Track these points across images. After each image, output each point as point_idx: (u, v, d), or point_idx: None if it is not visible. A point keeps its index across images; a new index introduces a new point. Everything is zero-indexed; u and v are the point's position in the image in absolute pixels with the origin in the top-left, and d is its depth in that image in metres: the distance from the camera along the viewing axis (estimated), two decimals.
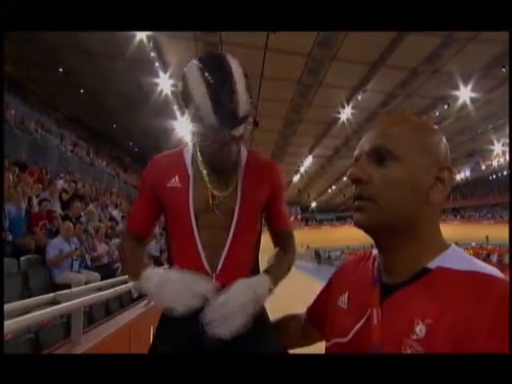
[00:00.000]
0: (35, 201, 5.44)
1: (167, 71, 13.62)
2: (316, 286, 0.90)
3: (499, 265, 13.37)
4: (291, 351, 0.89)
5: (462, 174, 29.87)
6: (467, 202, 39.55)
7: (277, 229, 1.05)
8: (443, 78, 13.84)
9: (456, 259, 0.57)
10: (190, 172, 0.95)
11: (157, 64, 13.08)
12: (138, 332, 3.08)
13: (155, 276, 0.85)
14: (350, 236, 29.63)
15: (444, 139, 0.61)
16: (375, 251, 0.67)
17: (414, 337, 0.52)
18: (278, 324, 0.92)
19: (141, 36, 11.40)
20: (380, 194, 0.57)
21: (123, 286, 3.55)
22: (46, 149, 10.43)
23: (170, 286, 0.81)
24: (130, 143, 25.01)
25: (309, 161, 25.44)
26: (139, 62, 12.87)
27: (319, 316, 0.77)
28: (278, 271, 0.96)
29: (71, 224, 4.70)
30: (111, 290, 3.10)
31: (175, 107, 16.49)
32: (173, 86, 13.95)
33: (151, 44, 11.95)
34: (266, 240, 1.06)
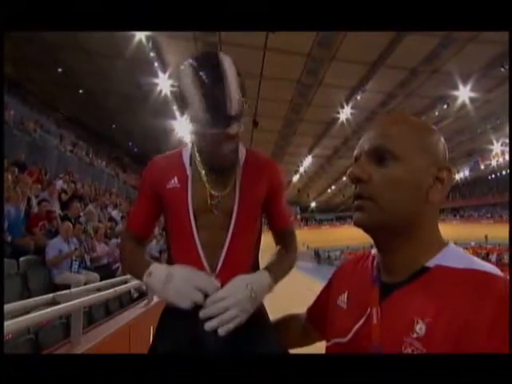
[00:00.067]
0: (34, 201, 5.43)
1: (166, 71, 13.62)
2: (316, 286, 0.90)
3: (498, 264, 13.38)
4: (291, 351, 0.89)
5: (462, 174, 29.90)
6: (466, 202, 39.60)
7: (278, 227, 1.05)
8: (442, 77, 13.85)
9: (455, 257, 0.57)
10: (189, 172, 0.95)
11: (156, 64, 13.08)
12: (138, 332, 3.07)
13: (160, 272, 0.85)
14: (349, 236, 29.65)
15: (442, 139, 0.61)
16: (374, 250, 0.67)
17: (414, 335, 0.52)
18: (278, 324, 0.92)
19: (140, 36, 11.41)
20: (380, 194, 0.57)
21: (123, 286, 3.55)
22: (45, 149, 10.42)
23: (174, 281, 0.82)
24: (130, 143, 25.00)
25: (308, 161, 25.45)
26: (138, 62, 12.87)
27: (319, 316, 0.77)
28: (279, 268, 0.95)
29: (70, 224, 4.70)
30: (111, 291, 3.10)
31: (174, 107, 16.49)
32: (172, 86, 13.95)
33: (150, 44, 11.96)
34: (266, 240, 1.06)
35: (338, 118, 17.84)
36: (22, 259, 3.81)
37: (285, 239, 1.04)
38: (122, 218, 8.55)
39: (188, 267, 0.85)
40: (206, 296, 0.81)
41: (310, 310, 0.85)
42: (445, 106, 15.99)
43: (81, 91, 16.96)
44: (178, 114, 17.01)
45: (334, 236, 38.03)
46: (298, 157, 25.24)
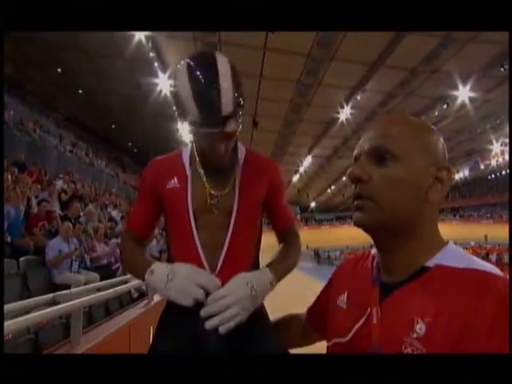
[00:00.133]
0: (34, 201, 5.43)
1: (166, 71, 13.61)
2: (315, 286, 0.90)
3: (498, 264, 13.39)
4: (291, 351, 0.89)
5: (461, 174, 29.91)
6: (466, 202, 39.60)
7: (279, 226, 1.04)
8: (442, 77, 13.86)
9: (454, 257, 0.57)
10: (189, 172, 0.96)
11: (156, 64, 13.08)
12: (138, 332, 3.07)
13: (162, 270, 0.85)
14: (349, 236, 29.66)
15: (442, 139, 0.62)
16: (374, 250, 0.67)
17: (414, 335, 0.52)
18: (278, 324, 0.92)
19: (140, 36, 11.40)
20: (380, 194, 0.57)
21: (123, 286, 3.55)
22: (44, 149, 10.42)
23: (176, 279, 0.82)
24: (129, 143, 25.00)
25: (308, 161, 25.45)
26: (138, 62, 12.87)
27: (319, 316, 0.78)
28: (281, 266, 0.95)
29: (70, 224, 4.70)
30: (111, 291, 3.09)
31: (174, 107, 16.47)
32: (172, 86, 13.92)
33: (150, 44, 11.96)
34: (267, 239, 1.06)
35: (338, 118, 17.85)
36: (21, 259, 3.81)
37: (287, 238, 1.04)
38: (121, 218, 8.55)
39: (189, 265, 0.86)
40: (207, 294, 0.81)
41: (310, 309, 0.85)
42: (444, 106, 16.00)
43: (80, 91, 16.96)
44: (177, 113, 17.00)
45: (334, 236, 38.03)
46: (297, 157, 25.25)
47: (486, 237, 29.07)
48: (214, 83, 0.79)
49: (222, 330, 0.78)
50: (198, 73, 0.80)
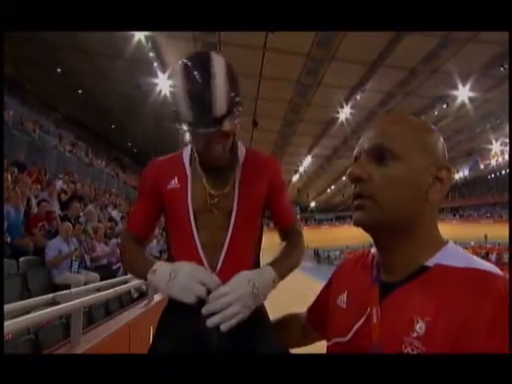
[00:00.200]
0: (34, 201, 5.43)
1: (166, 71, 13.60)
2: (315, 286, 0.90)
3: (498, 263, 13.39)
4: (291, 351, 0.89)
5: (461, 174, 29.92)
6: (466, 201, 39.62)
7: (281, 225, 1.04)
8: (442, 77, 13.86)
9: (454, 256, 0.57)
10: (189, 172, 0.96)
11: (155, 64, 13.07)
12: (138, 332, 3.07)
13: (164, 269, 0.85)
14: (349, 235, 29.67)
15: (442, 139, 0.62)
16: (374, 250, 0.68)
17: (414, 334, 0.52)
18: (278, 323, 0.92)
19: (139, 36, 11.40)
20: (380, 193, 0.57)
21: (123, 286, 3.55)
22: (44, 149, 10.41)
23: (178, 277, 0.82)
24: (129, 143, 24.99)
25: (308, 161, 25.45)
26: (138, 62, 12.87)
27: (319, 316, 0.78)
28: (283, 264, 0.94)
29: (70, 225, 4.70)
30: (111, 291, 3.09)
31: (174, 107, 16.46)
32: (171, 86, 13.92)
33: (150, 44, 11.95)
34: (267, 239, 1.06)
35: (338, 118, 17.85)
36: (21, 259, 3.81)
37: (289, 236, 1.03)
38: (121, 218, 8.56)
39: (191, 263, 0.86)
40: (208, 292, 0.81)
41: (310, 309, 0.85)
42: (444, 106, 16.00)
43: (80, 91, 16.95)
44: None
45: (334, 236, 38.03)
46: (297, 157, 25.25)
47: (485, 236, 29.09)
48: (207, 84, 0.79)
49: (224, 327, 0.78)
50: (192, 73, 0.80)
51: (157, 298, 4.00)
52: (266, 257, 0.98)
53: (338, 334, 0.65)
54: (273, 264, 0.92)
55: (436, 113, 16.73)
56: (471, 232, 30.21)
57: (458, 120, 18.13)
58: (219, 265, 0.91)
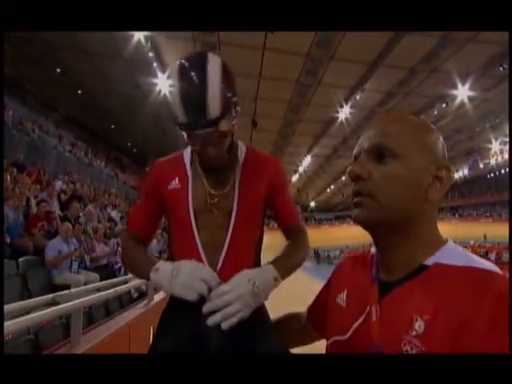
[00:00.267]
0: (33, 202, 5.43)
1: (165, 71, 13.59)
2: (315, 286, 0.90)
3: (498, 262, 13.39)
4: (291, 350, 0.89)
5: (461, 173, 29.93)
6: (465, 201, 39.64)
7: (284, 224, 1.03)
8: (441, 77, 13.86)
9: (453, 255, 0.57)
10: (189, 172, 0.96)
11: (155, 64, 13.06)
12: (138, 332, 3.07)
13: (166, 267, 0.86)
14: (348, 235, 29.70)
15: (441, 138, 0.62)
16: (373, 249, 0.68)
17: (413, 333, 0.52)
18: (278, 323, 0.92)
19: (139, 36, 11.39)
20: (379, 191, 0.58)
21: (123, 286, 3.55)
22: (44, 149, 10.42)
23: (180, 276, 0.82)
24: (129, 143, 24.98)
25: (307, 160, 25.44)
26: (137, 62, 12.85)
27: (319, 315, 0.78)
28: (285, 263, 0.94)
29: (70, 225, 4.70)
30: (111, 291, 3.09)
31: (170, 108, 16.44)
32: (171, 86, 13.90)
33: (149, 44, 11.94)
34: (268, 239, 1.05)
35: (337, 118, 17.84)
36: (21, 260, 3.81)
37: (292, 236, 1.02)
38: (121, 218, 8.56)
39: (192, 261, 0.86)
40: (210, 291, 0.81)
41: (310, 308, 0.85)
42: (443, 105, 16.01)
43: (80, 91, 16.94)
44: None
45: (334, 235, 38.05)
46: (297, 156, 25.24)
47: (485, 236, 29.10)
48: (202, 85, 0.79)
49: (225, 326, 0.78)
50: (187, 74, 0.80)
51: (157, 298, 4.00)
52: (266, 256, 0.98)
53: (337, 333, 0.65)
54: (274, 263, 0.92)
55: (435, 112, 16.73)
56: (470, 231, 30.23)
57: (458, 119, 18.14)
58: (219, 264, 0.91)
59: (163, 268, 0.86)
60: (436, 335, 0.50)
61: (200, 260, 0.90)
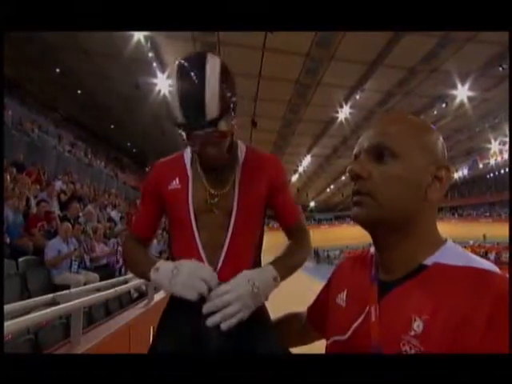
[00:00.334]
0: (33, 202, 5.43)
1: (165, 71, 13.59)
2: (315, 286, 0.90)
3: (497, 262, 13.39)
4: (291, 350, 0.89)
5: (460, 173, 29.93)
6: (465, 201, 39.65)
7: (285, 223, 1.03)
8: (441, 77, 13.86)
9: (453, 255, 0.57)
10: (190, 173, 0.96)
11: (155, 64, 13.06)
12: (138, 332, 3.07)
13: (166, 267, 0.86)
14: (348, 235, 29.70)
15: (441, 138, 0.62)
16: (373, 249, 0.68)
17: (412, 333, 0.52)
18: (278, 323, 0.92)
19: (138, 36, 11.38)
20: (379, 190, 0.58)
21: (123, 286, 3.55)
22: (43, 149, 10.41)
23: (180, 275, 0.82)
24: (128, 143, 24.97)
25: (307, 160, 25.43)
26: (137, 62, 12.85)
27: (319, 315, 0.78)
28: (286, 263, 0.93)
29: (69, 225, 4.70)
30: (111, 291, 3.09)
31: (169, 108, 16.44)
32: (171, 86, 13.90)
33: (149, 44, 11.94)
34: (268, 239, 1.05)
35: (337, 118, 17.83)
36: (21, 260, 3.81)
37: (293, 235, 1.02)
38: (121, 218, 8.56)
39: (193, 261, 0.86)
40: (209, 290, 0.81)
41: (310, 308, 0.85)
42: (443, 105, 16.00)
43: (79, 91, 16.93)
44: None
45: (333, 235, 38.04)
46: (297, 156, 25.23)
47: (484, 236, 29.12)
48: (200, 85, 0.79)
49: (224, 326, 0.78)
50: (186, 74, 0.80)
51: (157, 298, 4.00)
52: (267, 257, 0.98)
53: (337, 332, 0.65)
54: (274, 263, 0.91)
55: (435, 112, 16.73)
56: (470, 231, 30.23)
57: (457, 119, 18.14)
58: (219, 264, 0.91)
59: (163, 267, 0.86)
60: (434, 335, 0.50)
61: (200, 260, 0.90)
